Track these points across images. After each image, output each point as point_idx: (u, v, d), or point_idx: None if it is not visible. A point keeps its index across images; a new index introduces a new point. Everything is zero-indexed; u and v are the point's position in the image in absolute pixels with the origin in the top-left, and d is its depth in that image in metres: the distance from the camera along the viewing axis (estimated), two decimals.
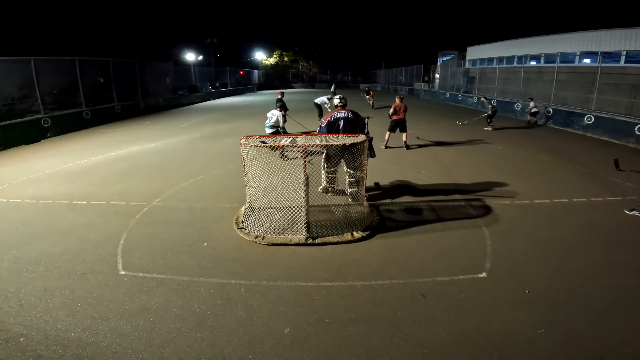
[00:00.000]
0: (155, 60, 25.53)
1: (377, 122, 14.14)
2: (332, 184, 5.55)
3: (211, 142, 11.33)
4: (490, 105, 13.61)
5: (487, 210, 5.64)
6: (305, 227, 4.63)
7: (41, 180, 7.48)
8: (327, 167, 5.45)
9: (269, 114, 8.56)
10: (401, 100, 10.08)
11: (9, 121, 11.52)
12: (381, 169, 7.85)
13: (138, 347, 2.91)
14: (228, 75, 37.29)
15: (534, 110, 14.55)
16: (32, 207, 5.94)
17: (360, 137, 5.07)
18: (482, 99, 14.88)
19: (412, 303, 3.44)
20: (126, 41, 34.01)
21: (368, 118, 7.22)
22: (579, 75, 16.10)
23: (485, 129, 13.38)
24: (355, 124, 5.74)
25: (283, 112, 8.60)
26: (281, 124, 8.45)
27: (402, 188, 6.71)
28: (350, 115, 5.76)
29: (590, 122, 12.60)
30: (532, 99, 14.78)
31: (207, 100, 28.95)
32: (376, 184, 6.83)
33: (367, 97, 21.73)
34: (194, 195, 6.47)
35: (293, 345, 2.92)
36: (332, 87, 27.44)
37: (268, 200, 5.07)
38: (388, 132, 10.09)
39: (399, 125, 9.99)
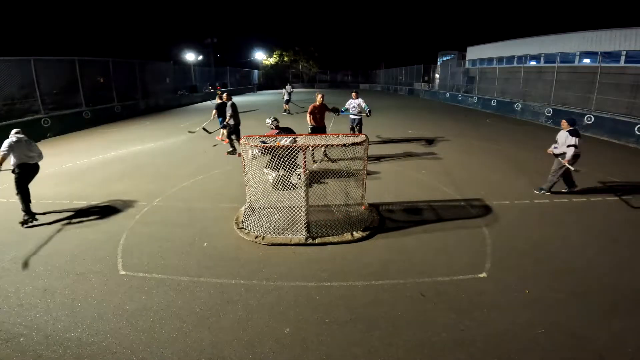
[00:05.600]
0: (155, 60, 25.52)
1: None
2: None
3: (211, 142, 11.32)
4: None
5: (487, 210, 5.64)
6: (305, 227, 4.64)
7: (41, 180, 7.45)
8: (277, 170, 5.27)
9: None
10: (322, 99, 8.19)
11: (9, 121, 11.53)
12: (381, 169, 7.86)
13: (138, 347, 2.91)
14: (228, 75, 37.29)
15: (286, 97, 19.24)
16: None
17: (361, 137, 5.08)
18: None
19: (412, 303, 3.44)
20: (126, 41, 34.02)
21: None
22: (579, 75, 16.09)
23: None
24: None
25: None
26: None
27: (402, 188, 6.71)
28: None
29: (590, 122, 12.59)
30: (290, 84, 20.36)
31: (207, 100, 28.93)
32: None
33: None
34: (194, 195, 6.47)
35: (293, 345, 2.92)
36: (289, 88, 23.89)
37: (268, 200, 5.07)
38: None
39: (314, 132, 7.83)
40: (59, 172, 8.06)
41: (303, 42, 52.36)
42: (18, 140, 5.31)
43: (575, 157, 5.85)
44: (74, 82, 15.21)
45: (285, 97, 19.45)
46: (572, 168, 5.86)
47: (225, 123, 9.28)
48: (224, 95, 9.82)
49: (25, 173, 5.39)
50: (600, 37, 17.02)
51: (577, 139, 5.73)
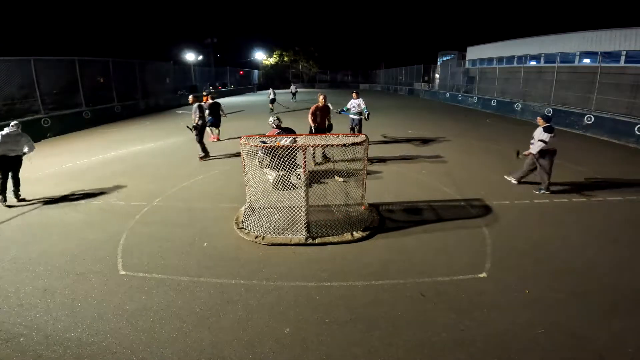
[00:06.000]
0: (155, 60, 25.53)
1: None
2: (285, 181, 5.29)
3: (211, 142, 11.31)
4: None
5: (487, 210, 5.64)
6: (305, 227, 4.63)
7: (41, 180, 7.47)
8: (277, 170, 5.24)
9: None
10: (324, 100, 8.14)
11: (9, 121, 11.50)
12: (381, 169, 7.86)
13: (138, 347, 2.91)
14: (228, 75, 37.30)
15: (272, 97, 19.86)
16: (31, 207, 5.94)
17: (361, 137, 5.08)
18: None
19: (412, 303, 3.44)
20: (126, 41, 34.02)
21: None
22: (579, 75, 16.09)
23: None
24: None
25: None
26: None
27: (402, 188, 6.71)
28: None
29: (590, 122, 12.58)
30: (272, 88, 20.58)
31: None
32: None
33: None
34: (194, 195, 6.47)
35: (293, 345, 2.92)
36: (293, 88, 24.92)
37: (268, 200, 5.07)
38: None
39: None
40: (59, 172, 8.06)
41: (303, 42, 52.42)
42: (7, 135, 5.75)
43: (547, 153, 6.05)
44: (74, 82, 15.21)
45: (271, 97, 20.14)
46: (521, 156, 6.28)
47: (194, 124, 9.23)
48: (190, 97, 9.71)
49: (3, 164, 5.80)
50: (600, 37, 17.03)
51: (549, 135, 5.93)
